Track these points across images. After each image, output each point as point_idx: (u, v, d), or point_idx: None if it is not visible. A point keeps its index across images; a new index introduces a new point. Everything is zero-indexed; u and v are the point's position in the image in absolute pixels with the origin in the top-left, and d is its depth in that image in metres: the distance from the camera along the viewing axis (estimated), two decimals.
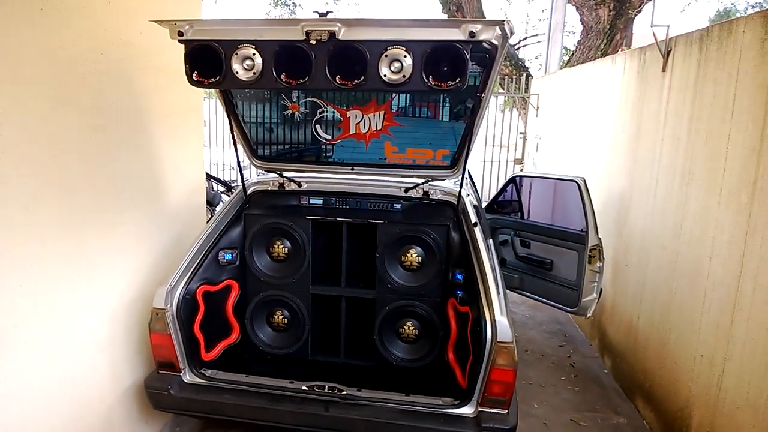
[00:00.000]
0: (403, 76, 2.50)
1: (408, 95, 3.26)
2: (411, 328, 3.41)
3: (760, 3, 18.67)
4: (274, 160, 3.58)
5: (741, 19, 3.04)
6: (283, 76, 2.62)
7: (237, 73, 2.63)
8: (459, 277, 3.20)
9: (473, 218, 3.25)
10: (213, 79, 2.66)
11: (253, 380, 3.06)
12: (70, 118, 2.68)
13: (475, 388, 2.81)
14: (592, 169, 5.29)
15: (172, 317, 3.00)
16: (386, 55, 2.48)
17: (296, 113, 3.39)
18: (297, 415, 2.89)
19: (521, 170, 9.15)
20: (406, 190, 3.46)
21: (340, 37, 2.48)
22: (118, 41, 2.98)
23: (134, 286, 3.24)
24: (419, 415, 2.86)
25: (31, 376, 2.53)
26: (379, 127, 3.31)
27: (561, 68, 8.76)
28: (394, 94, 3.21)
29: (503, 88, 9.63)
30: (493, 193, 6.84)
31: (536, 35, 16.42)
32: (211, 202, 6.27)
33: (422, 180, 3.43)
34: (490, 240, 3.55)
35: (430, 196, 3.47)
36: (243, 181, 3.54)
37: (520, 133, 9.58)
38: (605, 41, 8.70)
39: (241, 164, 3.54)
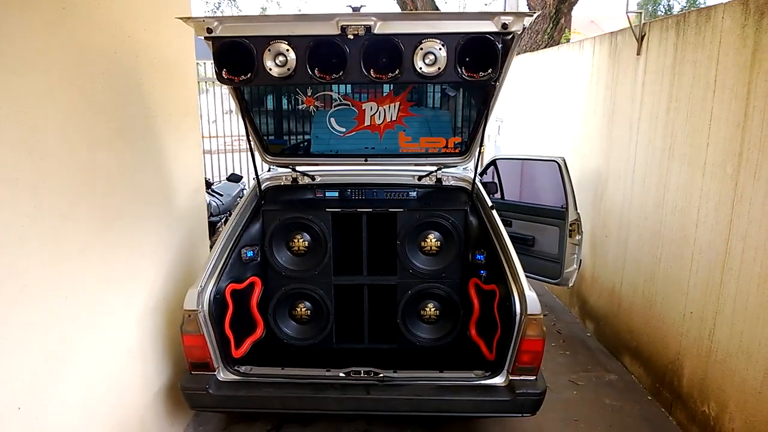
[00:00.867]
0: (438, 68, 2.61)
1: (423, 86, 3.36)
2: (432, 309, 3.56)
3: None
4: (286, 155, 3.59)
5: (719, 7, 3.35)
6: (316, 71, 2.66)
7: (270, 69, 2.64)
8: (480, 258, 3.37)
9: (489, 202, 3.42)
10: (244, 77, 2.66)
11: (290, 372, 3.11)
12: (99, 120, 2.61)
13: (506, 359, 3.01)
14: (562, 151, 5.60)
15: (204, 318, 2.99)
16: (421, 48, 2.58)
17: (311, 107, 3.41)
18: (341, 401, 2.98)
19: (482, 152, 9.42)
20: (420, 178, 3.58)
21: (376, 31, 2.54)
22: (127, 38, 2.90)
23: (156, 290, 3.19)
24: (455, 388, 3.02)
25: (79, 389, 2.47)
26: (393, 118, 3.40)
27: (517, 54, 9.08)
28: (410, 86, 3.31)
29: None
30: None
31: None
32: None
33: (435, 168, 3.56)
34: None
35: (443, 183, 3.61)
36: (258, 177, 3.53)
37: None
38: (551, 25, 9.06)
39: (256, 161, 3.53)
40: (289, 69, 2.64)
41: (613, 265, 4.75)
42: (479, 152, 3.45)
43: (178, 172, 3.51)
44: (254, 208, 3.50)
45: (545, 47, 8.47)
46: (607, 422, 3.72)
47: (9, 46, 2.05)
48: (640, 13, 4.18)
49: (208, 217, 4.72)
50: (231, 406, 3.10)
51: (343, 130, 3.50)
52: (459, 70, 2.62)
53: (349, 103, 3.38)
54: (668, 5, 22.80)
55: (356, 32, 2.53)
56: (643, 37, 4.16)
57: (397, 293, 3.52)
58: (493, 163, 5.37)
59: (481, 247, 3.40)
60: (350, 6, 2.62)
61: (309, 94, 3.35)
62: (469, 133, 3.46)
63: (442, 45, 2.56)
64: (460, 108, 3.49)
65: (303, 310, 3.57)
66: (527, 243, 5.06)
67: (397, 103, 3.36)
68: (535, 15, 2.62)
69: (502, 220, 5.51)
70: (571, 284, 4.81)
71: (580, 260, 4.82)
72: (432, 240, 3.50)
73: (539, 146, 6.35)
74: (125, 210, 2.85)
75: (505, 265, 3.12)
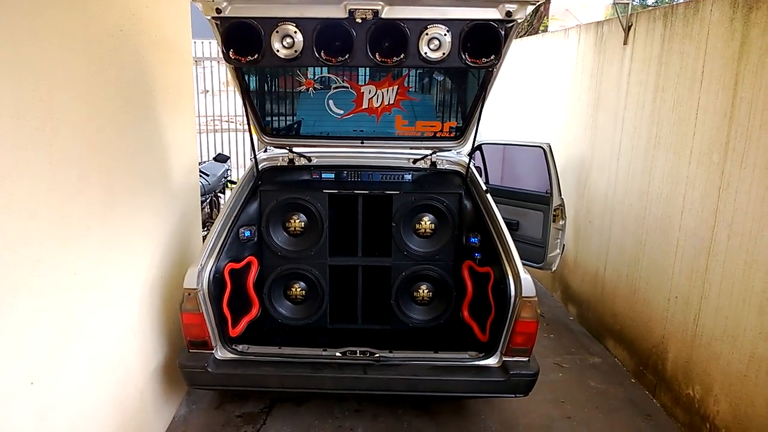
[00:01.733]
0: (443, 54, 2.66)
1: (421, 69, 3.39)
2: (425, 291, 3.63)
3: None
4: (284, 136, 3.61)
5: (708, 0, 3.46)
6: (323, 53, 2.68)
7: (277, 51, 2.66)
8: (474, 240, 3.45)
9: (483, 186, 3.49)
10: (251, 57, 2.67)
11: (287, 351, 3.15)
12: (107, 96, 2.59)
13: (499, 340, 3.10)
14: (546, 137, 5.70)
15: (203, 296, 3.01)
16: (427, 33, 2.62)
17: (311, 89, 3.42)
18: (338, 380, 3.04)
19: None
20: (415, 161, 3.63)
21: (383, 15, 2.58)
22: (132, 16, 2.86)
23: (154, 268, 3.19)
24: (450, 369, 3.10)
25: (87, 366, 2.48)
26: (391, 102, 3.44)
27: None
28: (408, 69, 3.34)
29: None
30: None
31: None
32: None
33: (430, 151, 3.61)
34: None
35: (438, 167, 3.67)
36: (255, 158, 3.54)
37: None
38: (531, 13, 9.19)
39: (254, 141, 3.53)
40: (296, 51, 2.66)
41: (596, 251, 4.89)
42: (474, 137, 3.52)
43: (176, 151, 3.50)
44: (252, 188, 3.51)
45: (525, 35, 8.58)
46: (593, 403, 3.86)
47: (38, 17, 2.04)
48: (628, 3, 4.27)
49: None
50: (229, 384, 3.13)
51: (341, 112, 3.52)
52: (462, 55, 2.67)
53: (348, 86, 3.41)
54: None
55: (364, 16, 2.56)
56: (630, 27, 4.27)
57: (391, 275, 3.58)
58: (478, 147, 5.44)
59: (476, 230, 3.48)
60: None
61: (309, 76, 3.36)
62: (464, 117, 3.52)
63: (447, 31, 2.61)
64: (456, 92, 3.54)
65: (298, 290, 3.61)
66: (511, 227, 5.15)
67: (396, 87, 3.40)
68: (539, 2, 2.68)
69: None
70: (554, 269, 4.94)
71: (564, 245, 4.95)
72: (426, 222, 3.56)
73: (523, 133, 6.45)
74: (128, 187, 2.84)
75: (500, 248, 3.20)
